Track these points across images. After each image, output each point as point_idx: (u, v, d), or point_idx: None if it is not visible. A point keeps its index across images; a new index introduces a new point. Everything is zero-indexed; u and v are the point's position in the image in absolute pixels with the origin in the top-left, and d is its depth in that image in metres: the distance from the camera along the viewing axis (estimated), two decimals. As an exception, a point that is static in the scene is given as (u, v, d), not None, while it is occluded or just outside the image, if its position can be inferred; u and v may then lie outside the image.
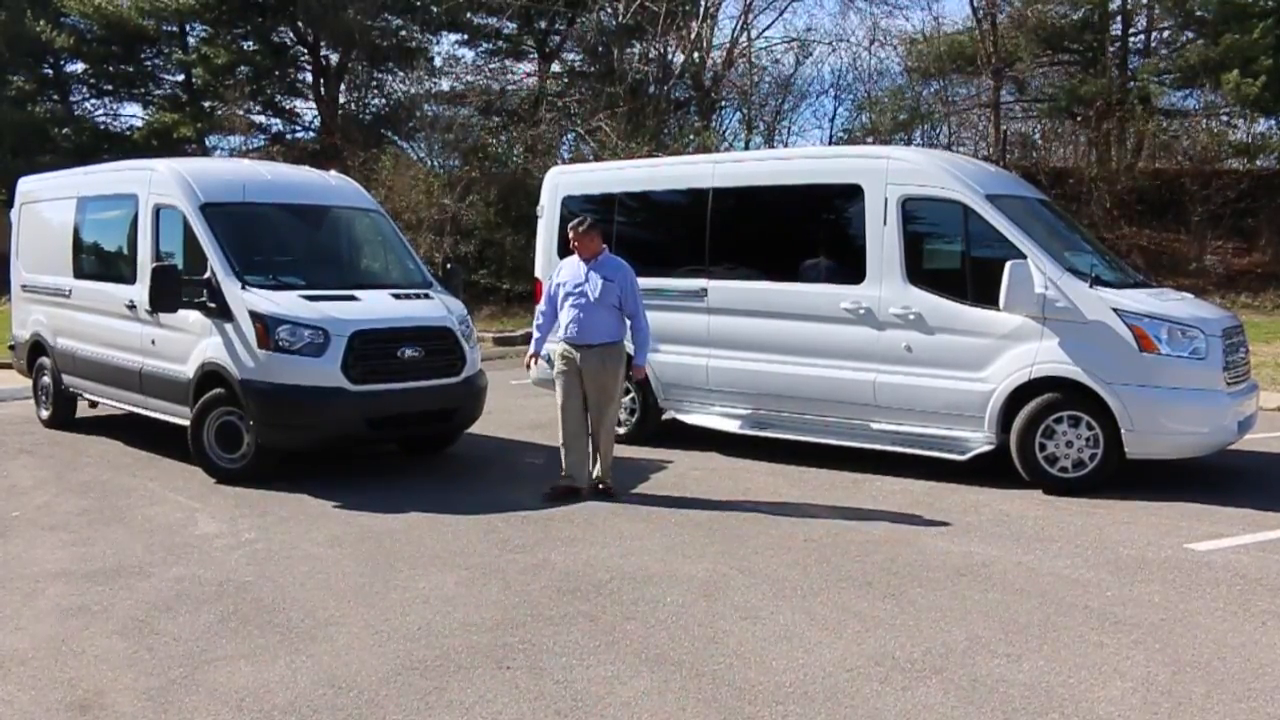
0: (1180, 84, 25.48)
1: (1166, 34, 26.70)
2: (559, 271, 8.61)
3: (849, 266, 9.28)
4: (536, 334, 8.74)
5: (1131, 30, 26.78)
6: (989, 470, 8.67)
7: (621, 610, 5.78)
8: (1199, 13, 24.12)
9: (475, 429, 10.08)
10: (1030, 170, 22.50)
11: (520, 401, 13.02)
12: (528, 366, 9.05)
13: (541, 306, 8.71)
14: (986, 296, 8.48)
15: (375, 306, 9.05)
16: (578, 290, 8.30)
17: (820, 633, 5.42)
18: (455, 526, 7.53)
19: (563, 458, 8.52)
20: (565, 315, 8.36)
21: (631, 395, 10.67)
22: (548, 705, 4.61)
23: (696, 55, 29.83)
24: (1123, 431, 8.09)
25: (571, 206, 11.23)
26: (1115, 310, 8.19)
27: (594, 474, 8.57)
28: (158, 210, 9.77)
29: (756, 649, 5.21)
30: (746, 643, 5.30)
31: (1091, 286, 8.31)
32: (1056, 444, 8.32)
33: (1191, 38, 25.22)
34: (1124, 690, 4.69)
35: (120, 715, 4.59)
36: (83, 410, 11.96)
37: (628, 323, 8.52)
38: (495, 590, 6.14)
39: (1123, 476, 8.29)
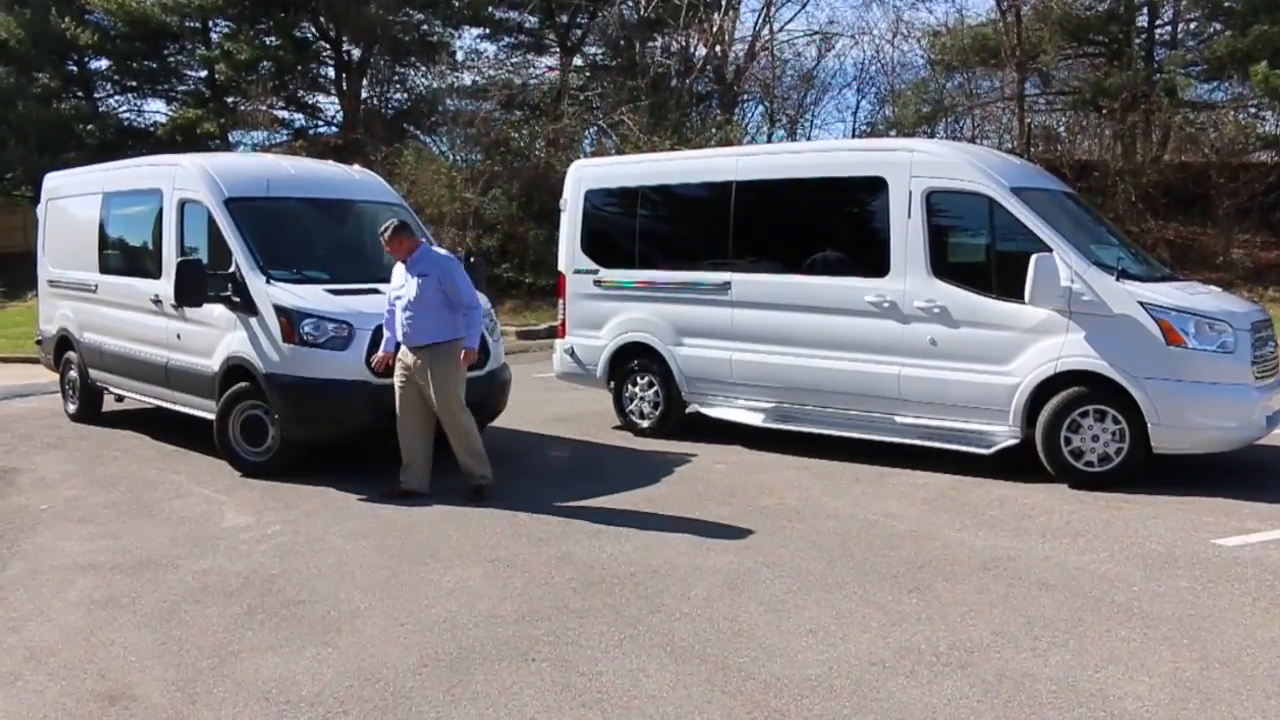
0: (1207, 76, 25.25)
1: (1193, 25, 26.48)
2: (394, 277, 8.34)
3: (873, 260, 9.24)
4: (386, 333, 8.35)
5: (1158, 22, 26.56)
6: (1014, 464, 8.63)
7: (646, 603, 5.78)
8: (1226, 3, 23.90)
9: (499, 423, 10.10)
10: (1054, 163, 22.35)
11: (544, 395, 13.04)
12: (377, 370, 8.39)
13: (386, 308, 8.39)
14: (1012, 290, 8.42)
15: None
16: (402, 293, 8.11)
17: (845, 626, 5.41)
18: (479, 520, 7.55)
19: (404, 464, 8.36)
20: (397, 319, 8.15)
21: (655, 389, 10.68)
22: (573, 698, 4.62)
23: (718, 48, 29.78)
24: (1149, 426, 8.03)
25: (594, 200, 11.25)
26: (1142, 304, 8.12)
27: (465, 476, 8.27)
28: (182, 205, 9.83)
29: (781, 642, 5.21)
30: (771, 636, 5.29)
31: (1118, 280, 8.26)
32: (1082, 438, 8.26)
33: (1219, 29, 25.00)
34: (1151, 686, 4.66)
35: (149, 706, 4.63)
36: (109, 404, 12.05)
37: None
38: (519, 583, 6.15)
39: (1149, 471, 8.23)
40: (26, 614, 5.84)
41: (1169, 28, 26.91)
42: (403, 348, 8.16)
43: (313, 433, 8.88)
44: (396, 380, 8.25)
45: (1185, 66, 24.93)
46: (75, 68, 35.96)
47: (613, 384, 11.05)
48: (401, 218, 10.53)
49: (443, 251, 8.35)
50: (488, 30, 33.98)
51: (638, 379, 10.84)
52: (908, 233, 9.02)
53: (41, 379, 14.22)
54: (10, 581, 6.41)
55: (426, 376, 8.04)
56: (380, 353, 8.36)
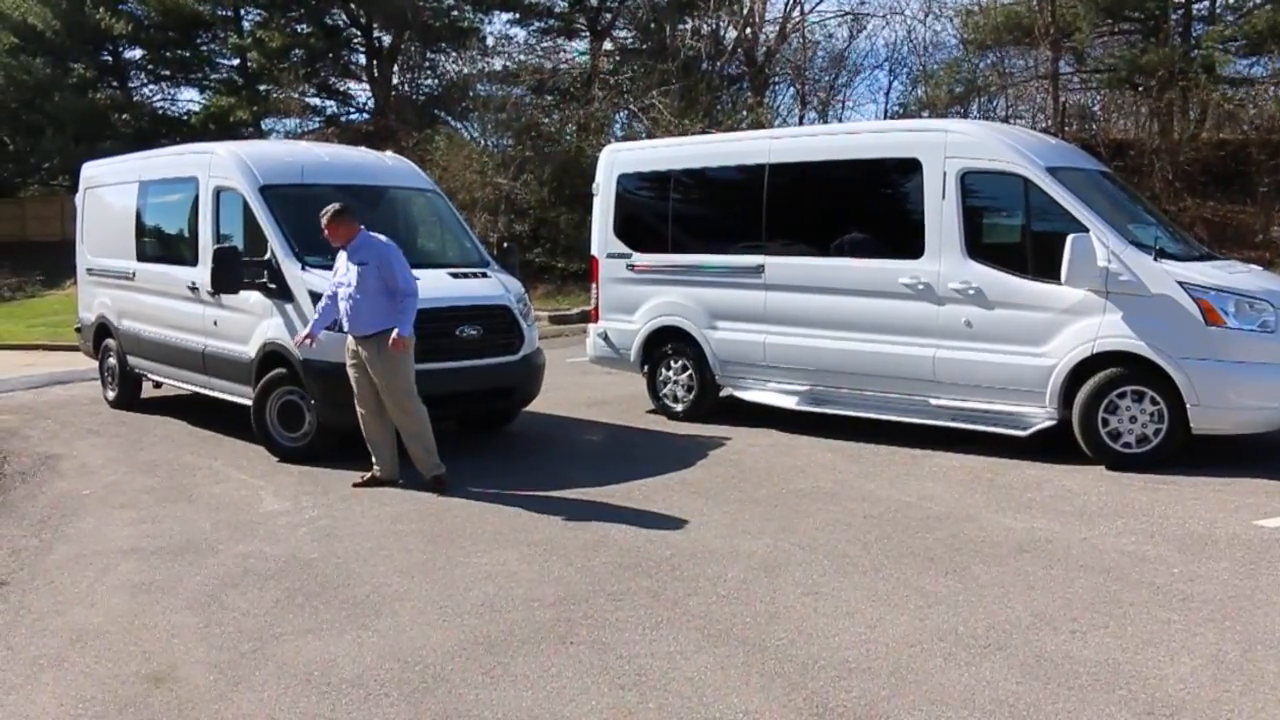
0: (1247, 51, 24.78)
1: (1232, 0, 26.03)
2: (337, 265, 8.24)
3: (907, 241, 9.18)
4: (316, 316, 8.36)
5: (1195, -4, 26.12)
6: (1051, 446, 8.56)
7: (683, 586, 5.80)
8: (1267, -24, 23.47)
9: (533, 407, 10.15)
10: (1090, 142, 22.07)
11: (577, 379, 13.07)
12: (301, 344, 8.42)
13: (325, 297, 8.34)
14: (1048, 270, 8.35)
15: (433, 285, 9.07)
16: (344, 281, 8.00)
17: (882, 609, 5.40)
18: (515, 503, 7.59)
19: (372, 454, 8.30)
20: (340, 308, 8.04)
21: (689, 373, 10.67)
22: (611, 680, 4.64)
23: (749, 30, 29.63)
24: (1188, 406, 7.94)
25: (627, 184, 11.24)
26: (1180, 283, 8.03)
27: (422, 470, 8.11)
28: (218, 193, 9.90)
29: (819, 625, 5.21)
30: (808, 619, 5.29)
31: (1156, 259, 8.16)
32: (1120, 419, 8.19)
33: (1259, 3, 24.55)
34: (1193, 668, 4.63)
35: (193, 687, 4.69)
36: (147, 390, 12.18)
37: None
38: (557, 566, 6.18)
39: (1188, 452, 8.15)
40: (72, 597, 5.92)
41: (1206, 2, 26.45)
42: (349, 336, 8.08)
43: (349, 418, 8.89)
44: (349, 370, 8.14)
45: (1224, 42, 24.46)
46: (110, 58, 36.34)
47: (646, 368, 11.06)
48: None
49: (383, 239, 8.19)
50: (518, 15, 33.96)
51: (671, 363, 10.83)
52: (942, 214, 8.96)
53: (81, 366, 14.39)
54: (55, 565, 6.51)
55: (375, 364, 7.94)
56: (306, 332, 8.30)
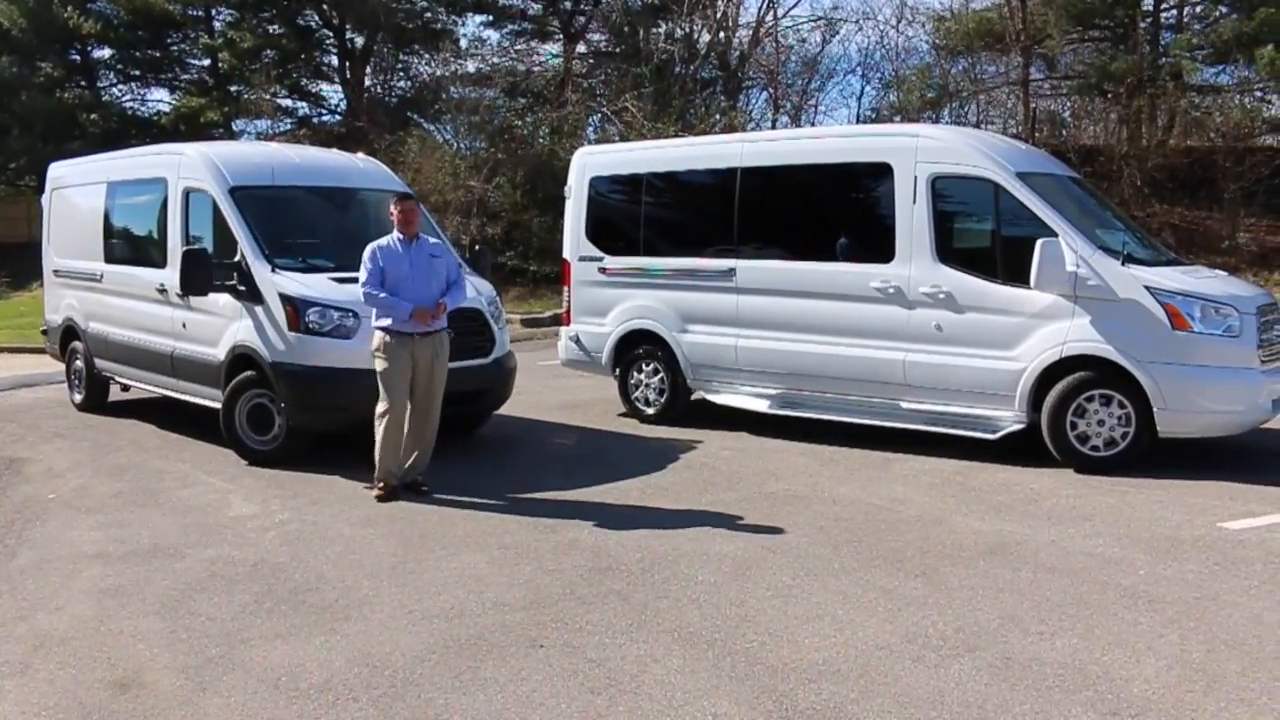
0: (1214, 60, 25.10)
1: (1199, 9, 26.33)
2: (378, 256, 7.79)
3: (878, 245, 9.22)
4: (377, 322, 7.82)
5: (1164, 5, 26.40)
6: (1020, 449, 8.63)
7: (653, 589, 5.79)
8: (1232, -13, 23.78)
9: (504, 410, 10.12)
10: (1060, 148, 22.26)
11: (549, 382, 13.05)
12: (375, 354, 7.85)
13: (374, 290, 7.74)
14: (1017, 275, 8.41)
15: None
16: (408, 274, 7.76)
17: (852, 611, 5.42)
18: (486, 507, 7.57)
19: (378, 461, 7.85)
20: (402, 300, 7.75)
21: (660, 376, 10.68)
22: (581, 683, 4.63)
23: (722, 34, 29.72)
24: (1155, 410, 8.02)
25: (599, 187, 11.25)
26: (1148, 288, 8.11)
27: (408, 469, 8.01)
28: (187, 194, 9.84)
29: (788, 627, 5.22)
30: (778, 621, 5.30)
31: (1123, 264, 8.24)
32: (1088, 423, 8.25)
33: (1225, 12, 24.85)
34: (1158, 668, 4.66)
35: (159, 693, 4.65)
36: (115, 394, 12.07)
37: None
38: (527, 570, 6.16)
39: (1155, 455, 8.22)
40: (36, 603, 5.86)
41: (1175, 11, 26.75)
42: (388, 331, 7.76)
43: (318, 421, 8.89)
44: (389, 367, 7.78)
45: (1191, 50, 24.76)
46: (78, 57, 35.97)
47: (618, 371, 11.06)
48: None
49: (434, 238, 8.23)
50: (491, 17, 33.92)
51: (643, 366, 10.84)
52: (913, 218, 9.01)
53: (47, 369, 14.25)
54: (19, 571, 6.44)
55: (431, 362, 7.90)
56: (378, 341, 7.77)
